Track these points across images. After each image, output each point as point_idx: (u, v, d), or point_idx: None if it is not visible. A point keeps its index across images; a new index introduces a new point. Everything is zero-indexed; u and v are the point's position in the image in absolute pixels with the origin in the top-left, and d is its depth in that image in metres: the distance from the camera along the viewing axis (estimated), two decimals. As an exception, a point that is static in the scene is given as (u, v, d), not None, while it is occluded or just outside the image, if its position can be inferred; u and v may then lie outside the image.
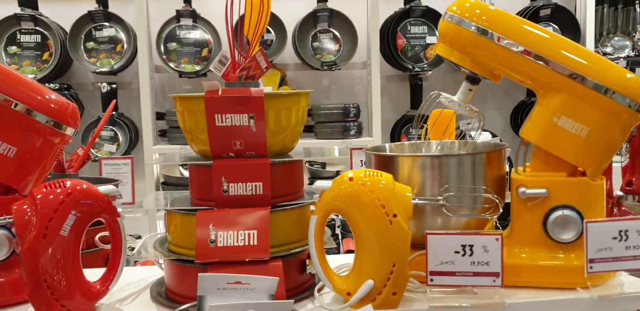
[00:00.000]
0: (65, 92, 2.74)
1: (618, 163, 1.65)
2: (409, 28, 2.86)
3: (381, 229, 0.88)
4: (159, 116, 2.71)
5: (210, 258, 0.91)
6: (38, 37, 2.72)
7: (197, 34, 2.73)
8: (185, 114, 0.98)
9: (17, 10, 2.68)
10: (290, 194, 1.00)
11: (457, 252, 0.91)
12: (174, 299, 0.95)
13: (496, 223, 1.23)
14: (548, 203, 0.96)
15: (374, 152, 1.07)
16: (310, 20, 2.79)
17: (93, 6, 2.71)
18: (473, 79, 1.06)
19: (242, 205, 0.94)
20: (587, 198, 0.97)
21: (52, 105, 0.97)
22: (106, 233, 0.96)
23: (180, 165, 2.83)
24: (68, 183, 0.89)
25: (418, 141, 1.19)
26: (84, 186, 0.89)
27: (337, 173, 2.59)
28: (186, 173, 2.75)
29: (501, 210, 0.98)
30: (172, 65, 2.70)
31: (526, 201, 0.97)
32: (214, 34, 2.74)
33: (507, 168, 1.10)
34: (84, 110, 2.86)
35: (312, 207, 0.96)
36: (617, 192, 1.61)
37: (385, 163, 1.03)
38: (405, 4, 2.87)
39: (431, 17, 2.83)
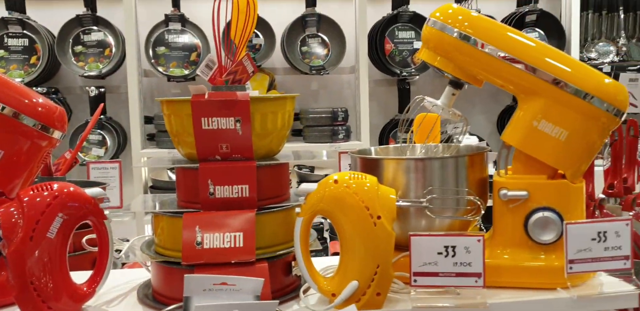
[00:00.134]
0: (53, 95, 2.73)
1: (600, 167, 1.69)
2: (396, 33, 2.89)
3: (365, 231, 0.90)
4: (148, 120, 2.71)
5: (196, 259, 0.92)
6: (26, 41, 2.71)
7: (186, 38, 2.74)
8: (172, 118, 0.99)
9: (5, 14, 2.68)
10: (276, 196, 1.01)
11: (440, 253, 0.92)
12: (160, 301, 0.96)
13: (480, 225, 1.25)
14: (529, 205, 0.98)
15: (359, 155, 1.09)
16: (298, 25, 2.81)
17: (81, 10, 2.71)
18: (456, 84, 1.08)
19: (228, 208, 0.96)
20: (567, 200, 0.99)
21: (40, 108, 0.98)
22: (93, 236, 0.96)
23: (168, 169, 2.83)
24: (55, 186, 0.89)
25: (403, 144, 1.21)
26: (71, 188, 0.90)
27: (326, 176, 2.60)
28: (174, 177, 2.75)
29: (483, 212, 1.00)
30: (160, 69, 2.71)
31: (508, 203, 0.99)
32: (202, 38, 2.75)
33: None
34: (72, 114, 2.86)
35: (297, 209, 0.98)
36: (599, 195, 1.64)
37: (371, 166, 1.04)
38: (393, 9, 2.90)
39: (419, 22, 2.87)
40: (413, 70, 2.88)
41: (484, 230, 1.22)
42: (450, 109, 1.08)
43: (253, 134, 0.96)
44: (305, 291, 0.99)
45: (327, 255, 1.91)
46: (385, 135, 2.95)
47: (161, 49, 2.73)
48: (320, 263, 1.08)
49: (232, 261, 0.92)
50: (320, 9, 2.79)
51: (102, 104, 1.54)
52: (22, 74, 2.71)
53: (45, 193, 0.88)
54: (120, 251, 1.06)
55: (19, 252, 0.85)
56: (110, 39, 2.76)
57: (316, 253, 1.92)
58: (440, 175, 1.00)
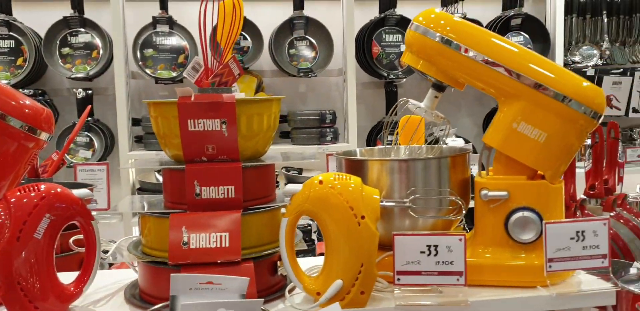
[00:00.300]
0: (40, 97, 2.72)
1: (581, 168, 1.72)
2: (384, 36, 2.92)
3: (350, 231, 0.91)
4: (135, 122, 2.71)
5: (183, 259, 0.93)
6: (12, 43, 2.70)
7: (174, 41, 2.75)
8: (159, 120, 1.00)
9: (-9, 15, 2.67)
10: (262, 197, 1.02)
11: (422, 252, 0.94)
12: (147, 300, 0.97)
13: (464, 226, 1.27)
14: (509, 205, 1.01)
15: (344, 156, 1.10)
16: (286, 28, 2.83)
17: (68, 12, 2.70)
18: (439, 87, 1.10)
19: (214, 208, 0.97)
20: (546, 200, 1.01)
21: (27, 110, 0.99)
22: (81, 236, 0.97)
23: (156, 171, 2.83)
24: (42, 187, 0.90)
25: (387, 146, 1.23)
26: (58, 189, 0.91)
27: (313, 178, 2.61)
28: (162, 179, 2.75)
29: (465, 211, 1.02)
30: (148, 71, 2.71)
31: (488, 203, 1.01)
32: (190, 40, 2.76)
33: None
34: (59, 116, 2.85)
35: (283, 210, 0.99)
36: (581, 196, 1.67)
37: (355, 167, 1.06)
38: (380, 12, 2.92)
39: (405, 25, 2.88)
40: (400, 73, 2.90)
41: (467, 231, 1.24)
42: (433, 111, 1.11)
43: (239, 135, 0.98)
44: (290, 291, 1.01)
45: (314, 256, 1.93)
46: (372, 137, 2.97)
47: (149, 51, 2.73)
48: (306, 263, 1.09)
49: (218, 261, 0.93)
50: (308, 11, 2.81)
51: (89, 106, 1.55)
52: (8, 76, 2.70)
53: (33, 194, 0.88)
54: (108, 251, 1.07)
55: (6, 252, 0.85)
56: (98, 41, 2.76)
57: (304, 254, 1.94)
58: (423, 176, 1.02)
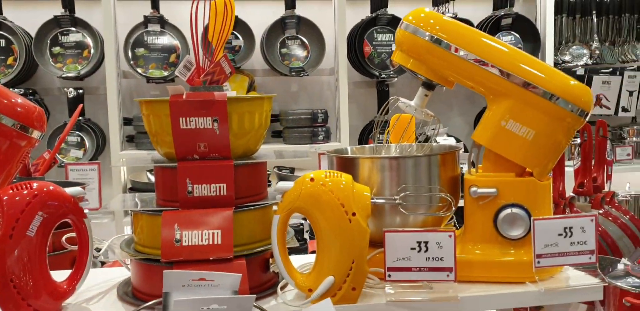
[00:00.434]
0: (31, 97, 2.71)
1: (571, 167, 1.74)
2: (375, 36, 2.93)
3: (341, 228, 0.92)
4: (127, 121, 2.71)
5: (175, 256, 0.93)
6: (2, 42, 2.69)
7: (165, 40, 2.75)
8: (150, 118, 1.00)
9: (-19, 14, 2.66)
10: (254, 195, 1.03)
11: (413, 248, 0.95)
12: (140, 298, 0.98)
13: (455, 223, 1.29)
14: (498, 202, 1.02)
15: (335, 154, 1.11)
16: (278, 27, 2.83)
17: (59, 11, 2.70)
18: (429, 85, 1.11)
19: (206, 206, 0.97)
20: (535, 196, 1.03)
21: (19, 109, 0.99)
22: (73, 235, 0.97)
23: (148, 171, 2.83)
24: (35, 185, 0.90)
25: (378, 144, 1.24)
26: (51, 187, 0.91)
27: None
28: (153, 179, 2.75)
29: (454, 208, 1.03)
30: (139, 70, 2.71)
31: (478, 200, 1.03)
32: (182, 39, 2.76)
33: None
34: (50, 115, 2.84)
35: (275, 207, 1.00)
36: (570, 193, 1.69)
37: (346, 165, 1.07)
38: (371, 12, 2.94)
39: (397, 25, 2.88)
40: (392, 72, 2.91)
41: (457, 228, 1.25)
42: (423, 110, 1.12)
43: (230, 133, 0.98)
44: (282, 288, 1.02)
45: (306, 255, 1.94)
46: (364, 136, 2.98)
47: (140, 51, 2.73)
48: (298, 261, 1.10)
49: (211, 258, 0.94)
50: (299, 11, 2.82)
51: (80, 105, 1.55)
52: (-2, 75, 2.69)
53: (25, 192, 0.89)
54: (100, 249, 1.08)
55: (-2, 250, 0.86)
56: (89, 40, 2.75)
57: (296, 252, 1.94)
58: (413, 173, 1.03)
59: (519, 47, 2.89)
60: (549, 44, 3.00)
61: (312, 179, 0.95)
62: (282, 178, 2.72)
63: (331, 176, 0.95)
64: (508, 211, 1.01)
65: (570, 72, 3.02)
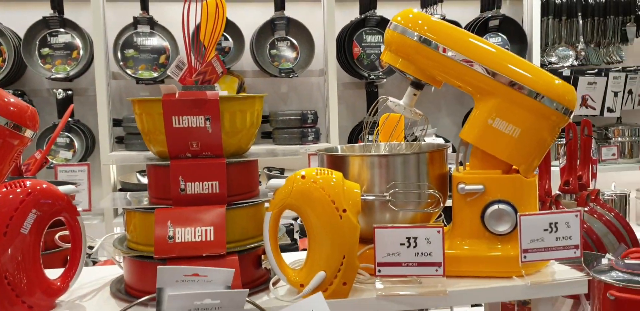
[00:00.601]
0: (19, 98, 2.70)
1: (556, 167, 1.77)
2: (364, 37, 2.95)
3: (332, 224, 0.94)
4: (116, 122, 2.71)
5: (168, 253, 0.95)
6: (-9, 43, 2.68)
7: (155, 41, 2.75)
8: (143, 117, 1.02)
9: (-31, 15, 2.65)
10: (246, 192, 1.05)
11: (402, 244, 0.97)
12: (133, 294, 0.99)
13: (444, 220, 1.31)
14: (485, 198, 1.04)
15: (326, 152, 1.13)
16: (268, 28, 2.85)
17: (48, 12, 2.69)
18: (417, 85, 1.13)
19: (199, 203, 0.99)
20: (521, 193, 1.05)
21: (12, 108, 1.00)
22: (66, 233, 0.98)
23: (137, 172, 2.83)
24: (28, 183, 0.91)
25: (368, 143, 1.26)
26: (44, 185, 0.92)
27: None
28: (143, 180, 2.75)
29: (442, 205, 1.05)
30: (129, 72, 2.71)
31: (465, 197, 1.05)
32: (171, 41, 2.76)
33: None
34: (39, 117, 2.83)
35: (266, 204, 1.01)
36: (556, 191, 1.72)
37: (337, 163, 1.09)
38: (360, 13, 2.96)
39: (386, 26, 2.93)
40: (380, 73, 2.94)
41: (446, 226, 1.28)
42: (411, 109, 1.14)
43: (222, 132, 1.00)
44: (274, 283, 1.03)
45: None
46: (354, 136, 3.00)
47: (130, 52, 2.73)
48: (289, 258, 1.11)
49: (204, 255, 0.95)
50: (289, 12, 2.84)
51: (72, 105, 1.55)
52: (-13, 76, 2.68)
53: (18, 190, 0.90)
54: (93, 247, 1.08)
55: (-8, 248, 0.86)
56: (78, 42, 2.75)
57: (288, 252, 1.95)
58: (402, 171, 1.05)
59: (506, 49, 2.93)
60: (536, 46, 3.04)
61: (303, 177, 0.96)
62: (271, 179, 2.72)
63: (322, 173, 0.97)
64: (495, 207, 1.03)
65: (556, 73, 3.06)
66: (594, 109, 3.12)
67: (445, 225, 1.28)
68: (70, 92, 2.74)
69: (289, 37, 2.88)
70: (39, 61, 2.72)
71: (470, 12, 3.14)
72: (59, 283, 0.94)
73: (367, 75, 2.92)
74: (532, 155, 1.06)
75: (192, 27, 1.03)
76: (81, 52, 2.75)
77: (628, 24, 3.23)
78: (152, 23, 2.74)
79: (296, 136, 2.73)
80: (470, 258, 1.04)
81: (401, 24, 1.07)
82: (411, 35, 1.06)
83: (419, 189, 1.05)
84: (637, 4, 3.22)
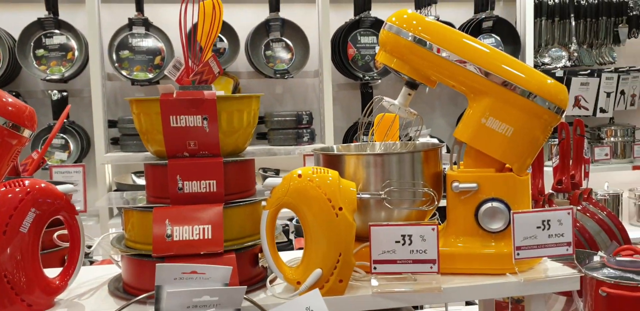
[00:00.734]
0: (15, 99, 2.70)
1: (549, 166, 1.79)
2: (359, 38, 2.97)
3: (328, 222, 0.95)
4: (111, 123, 2.71)
5: (166, 251, 0.96)
6: (-15, 44, 2.68)
7: (150, 42, 2.76)
8: (141, 116, 1.03)
9: (-36, 16, 2.65)
10: (243, 191, 1.06)
11: (397, 242, 0.99)
12: (131, 293, 0.99)
13: (438, 219, 1.32)
14: (479, 196, 1.06)
15: (322, 152, 1.14)
16: (262, 30, 2.86)
17: (43, 13, 2.69)
18: (412, 85, 1.15)
19: (196, 202, 1.00)
20: (514, 191, 1.07)
21: (10, 108, 1.00)
22: (64, 232, 0.99)
23: (133, 173, 2.83)
24: (27, 182, 0.92)
25: (363, 142, 1.27)
26: (43, 185, 0.93)
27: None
28: (139, 181, 2.76)
29: (437, 203, 1.07)
30: (124, 73, 2.72)
31: (459, 195, 1.06)
32: (166, 42, 2.77)
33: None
34: (34, 118, 2.83)
35: (263, 203, 1.02)
36: (549, 190, 1.74)
37: (333, 162, 1.10)
38: (355, 15, 2.98)
39: (380, 28, 2.94)
40: (375, 74, 2.96)
41: (440, 224, 1.29)
42: (406, 108, 1.15)
43: (220, 131, 1.01)
44: (271, 281, 1.04)
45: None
46: (349, 137, 3.02)
47: (125, 53, 2.73)
48: (286, 256, 1.13)
49: (201, 253, 0.96)
50: (283, 13, 2.85)
51: (68, 106, 1.56)
52: (-18, 77, 2.67)
53: (18, 189, 0.90)
54: (91, 246, 1.09)
55: (-9, 246, 0.87)
56: (73, 43, 2.75)
57: (282, 248, 1.96)
58: (397, 169, 1.07)
59: (500, 50, 2.95)
60: (529, 47, 3.06)
61: (299, 176, 0.97)
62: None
63: (318, 172, 0.98)
64: (488, 205, 1.05)
65: (549, 74, 3.08)
66: (587, 109, 3.15)
67: (439, 224, 1.30)
68: (65, 93, 2.74)
69: (283, 38, 2.89)
70: (34, 62, 2.73)
71: (464, 14, 3.16)
72: (57, 282, 0.95)
73: (361, 76, 2.94)
74: (525, 154, 1.07)
75: (189, 27, 1.04)
76: (76, 53, 2.75)
77: (620, 25, 3.26)
78: (147, 24, 2.75)
79: (291, 137, 2.74)
80: (465, 255, 1.06)
81: (396, 25, 1.08)
82: (406, 36, 1.07)
83: (414, 188, 1.06)
84: (629, 5, 3.25)
